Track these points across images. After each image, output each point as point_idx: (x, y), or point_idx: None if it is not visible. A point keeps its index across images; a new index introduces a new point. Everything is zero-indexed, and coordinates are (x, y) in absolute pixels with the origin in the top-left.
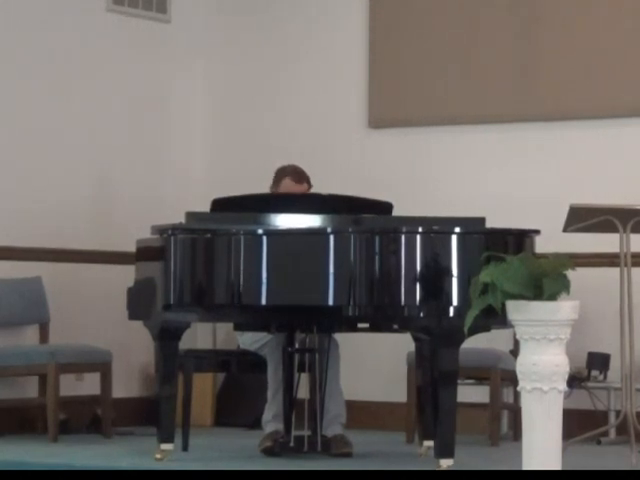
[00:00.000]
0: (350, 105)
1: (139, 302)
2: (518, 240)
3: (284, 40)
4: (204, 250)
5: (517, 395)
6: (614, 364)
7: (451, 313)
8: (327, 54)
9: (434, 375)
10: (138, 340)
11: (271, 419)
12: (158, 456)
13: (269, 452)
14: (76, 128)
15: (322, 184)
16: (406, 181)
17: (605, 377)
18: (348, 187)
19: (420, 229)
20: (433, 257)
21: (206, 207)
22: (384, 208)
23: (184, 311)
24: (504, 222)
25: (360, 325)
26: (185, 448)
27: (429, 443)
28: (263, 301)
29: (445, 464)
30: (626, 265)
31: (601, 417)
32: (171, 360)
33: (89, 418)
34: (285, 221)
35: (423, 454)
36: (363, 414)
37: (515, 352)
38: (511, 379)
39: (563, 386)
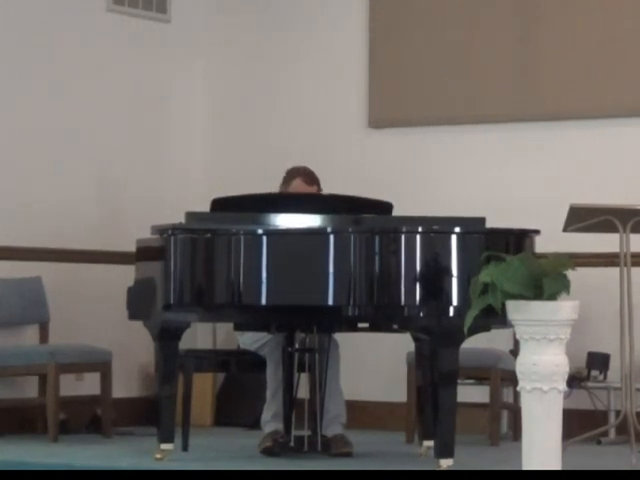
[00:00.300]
0: (350, 105)
1: (139, 302)
2: (518, 240)
3: (284, 40)
4: (204, 250)
5: (517, 395)
6: (614, 364)
7: (451, 313)
8: (327, 54)
9: (434, 375)
10: (138, 340)
11: (270, 419)
12: (158, 456)
13: (269, 452)
14: (76, 128)
15: (322, 184)
16: (406, 181)
17: (605, 377)
18: (348, 187)
19: (420, 229)
20: (433, 257)
21: (206, 207)
22: (384, 208)
23: (184, 311)
24: (504, 222)
25: (360, 325)
26: (185, 448)
27: (429, 443)
28: (263, 301)
29: (445, 464)
30: (626, 265)
31: (601, 417)
32: (171, 360)
33: (89, 418)
34: (285, 221)
35: (423, 454)
36: (363, 414)
37: (515, 352)
38: (511, 379)
39: (563, 386)
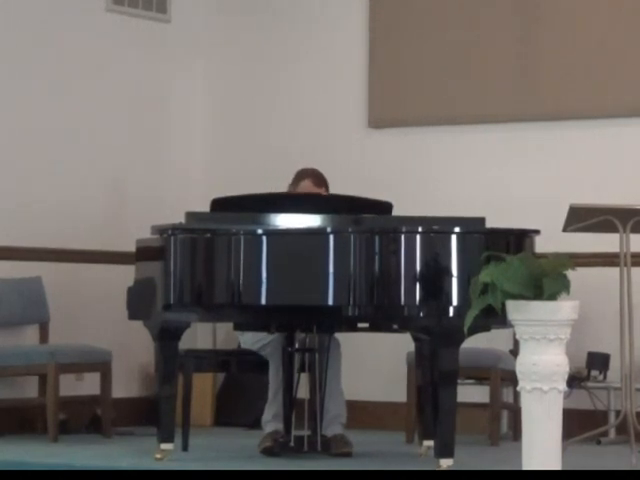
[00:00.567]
0: (350, 105)
1: (139, 302)
2: (518, 240)
3: (284, 40)
4: (204, 250)
5: (517, 395)
6: (614, 364)
7: (451, 313)
8: (327, 54)
9: (434, 375)
10: (138, 340)
11: (271, 419)
12: (158, 456)
13: (269, 452)
14: (76, 128)
15: None
16: (406, 181)
17: (605, 377)
18: (348, 187)
19: (420, 229)
20: (433, 257)
21: (206, 207)
22: (384, 208)
23: (184, 311)
24: (504, 222)
25: (360, 325)
26: (185, 448)
27: (429, 443)
28: (263, 301)
29: (445, 464)
30: (626, 265)
31: (601, 417)
32: (171, 360)
33: (89, 418)
34: (285, 221)
35: (423, 454)
36: (363, 414)
37: (515, 352)
38: (511, 379)
39: (563, 386)
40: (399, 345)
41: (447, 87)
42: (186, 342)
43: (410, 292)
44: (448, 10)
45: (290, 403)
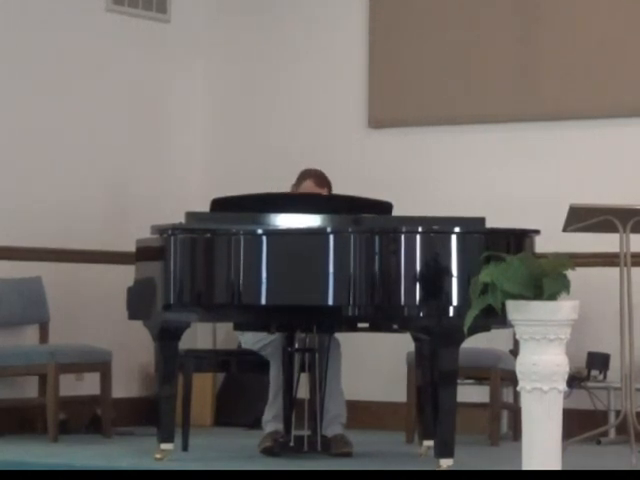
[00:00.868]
0: (350, 105)
1: (139, 302)
2: (518, 240)
3: (284, 40)
4: (204, 250)
5: (517, 395)
6: (614, 364)
7: (451, 313)
8: (327, 54)
9: (434, 375)
10: (138, 340)
11: (271, 419)
12: (158, 456)
13: (269, 452)
14: (76, 128)
15: None
16: (406, 181)
17: (605, 377)
18: (348, 187)
19: (420, 229)
20: (433, 257)
21: (206, 207)
22: (384, 208)
23: (184, 311)
24: (504, 222)
25: (360, 325)
26: (185, 448)
27: (429, 443)
28: (263, 301)
29: (445, 464)
30: (626, 265)
31: (601, 417)
32: (171, 360)
33: (89, 418)
34: (285, 221)
35: (423, 454)
36: (363, 414)
37: (515, 352)
38: (511, 379)
39: (563, 386)
40: (399, 345)
41: (447, 87)
42: (186, 342)
43: (410, 292)
44: (448, 10)
45: (290, 403)
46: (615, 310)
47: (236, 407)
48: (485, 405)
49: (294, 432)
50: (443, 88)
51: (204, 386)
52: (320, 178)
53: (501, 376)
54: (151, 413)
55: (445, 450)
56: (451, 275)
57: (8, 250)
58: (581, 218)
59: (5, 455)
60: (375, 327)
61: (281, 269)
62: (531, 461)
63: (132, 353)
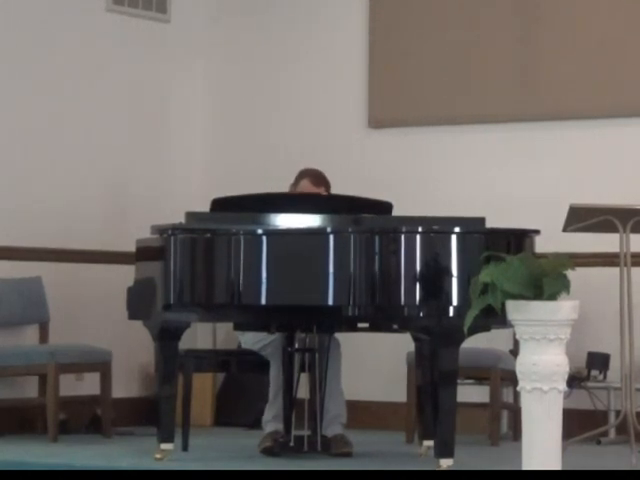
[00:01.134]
0: (350, 105)
1: (139, 302)
2: (518, 240)
3: (284, 40)
4: (204, 250)
5: (517, 395)
6: (614, 364)
7: (451, 313)
8: (327, 54)
9: (434, 375)
10: (138, 340)
11: (271, 419)
12: (158, 456)
13: (269, 452)
14: (76, 128)
15: None
16: (406, 181)
17: (605, 377)
18: (348, 187)
19: (420, 229)
20: (433, 257)
21: (206, 207)
22: (384, 208)
23: (184, 311)
24: (504, 222)
25: (360, 325)
26: (185, 448)
27: (429, 443)
28: (263, 301)
29: (445, 464)
30: (626, 265)
31: (601, 417)
32: (171, 360)
33: (89, 418)
34: (285, 221)
35: (423, 454)
36: (363, 414)
37: (515, 352)
38: (511, 379)
39: (563, 386)
40: (399, 345)
41: (447, 87)
42: (186, 342)
43: (410, 292)
44: (448, 10)
45: (290, 403)
46: (615, 310)
47: (236, 407)
48: (485, 405)
49: (294, 432)
50: (443, 88)
51: (204, 386)
52: (317, 177)
53: (501, 376)
54: (151, 413)
55: (445, 450)
56: (451, 275)
57: (8, 250)
58: (581, 218)
59: (5, 455)
60: (375, 327)
61: (281, 269)
62: (531, 461)
63: (132, 353)
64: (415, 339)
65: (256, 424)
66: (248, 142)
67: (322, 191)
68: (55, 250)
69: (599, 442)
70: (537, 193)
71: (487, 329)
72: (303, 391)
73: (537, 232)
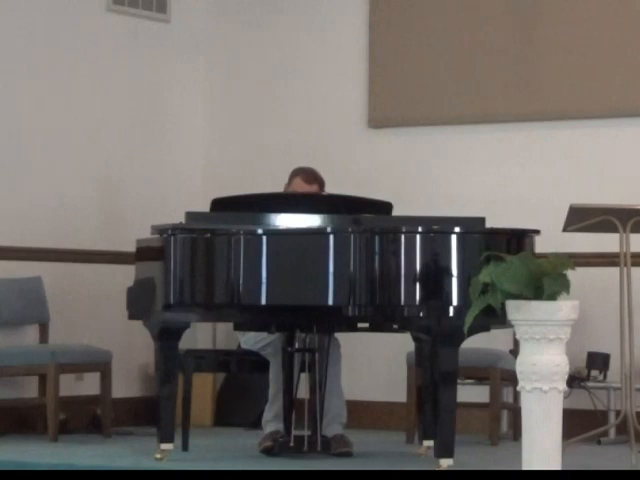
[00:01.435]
0: (350, 105)
1: (139, 302)
2: (518, 240)
3: (284, 40)
4: (204, 250)
5: (517, 395)
6: (614, 364)
7: (451, 313)
8: (327, 54)
9: (434, 375)
10: (138, 340)
11: (271, 419)
12: (158, 456)
13: (269, 452)
14: (76, 128)
15: None
16: (406, 181)
17: (605, 377)
18: (348, 187)
19: (420, 229)
20: (433, 257)
21: (206, 207)
22: (384, 208)
23: (184, 311)
24: (504, 222)
25: (360, 325)
26: (185, 448)
27: (429, 443)
28: (263, 301)
29: (445, 464)
30: (626, 265)
31: (601, 417)
32: (171, 360)
33: (89, 418)
34: (285, 221)
35: (423, 454)
36: (363, 414)
37: (515, 352)
38: (511, 379)
39: (563, 386)
40: (399, 345)
41: (447, 87)
42: (186, 342)
43: (410, 292)
44: (448, 10)
45: (290, 403)
46: (615, 310)
47: (236, 407)
48: (485, 405)
49: (294, 432)
50: (443, 88)
51: (204, 386)
52: (309, 175)
53: (501, 376)
54: (151, 413)
55: (445, 450)
56: (451, 275)
57: (8, 250)
58: (581, 218)
59: (5, 455)
60: (375, 327)
61: (281, 269)
62: (531, 461)
63: (132, 353)
64: (415, 339)
65: (256, 424)
66: (248, 142)
67: (315, 188)
68: (55, 250)
69: (599, 442)
70: (537, 193)
71: (487, 329)
72: (303, 391)
73: (537, 232)
